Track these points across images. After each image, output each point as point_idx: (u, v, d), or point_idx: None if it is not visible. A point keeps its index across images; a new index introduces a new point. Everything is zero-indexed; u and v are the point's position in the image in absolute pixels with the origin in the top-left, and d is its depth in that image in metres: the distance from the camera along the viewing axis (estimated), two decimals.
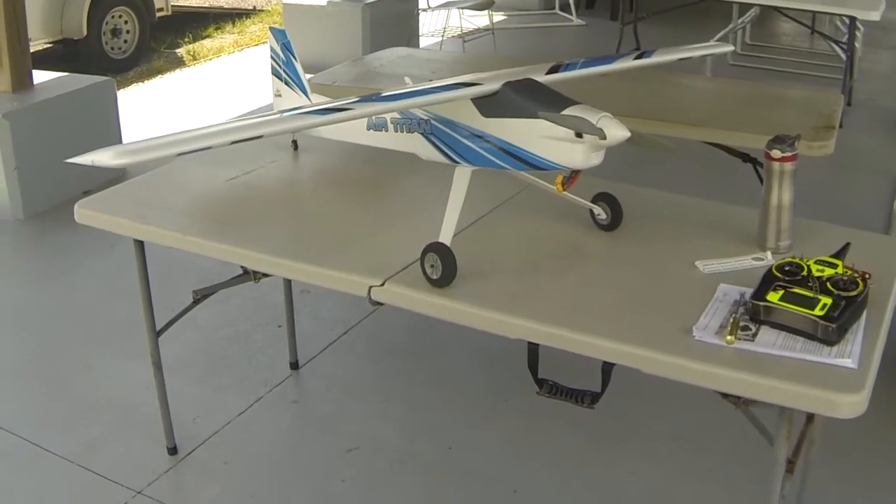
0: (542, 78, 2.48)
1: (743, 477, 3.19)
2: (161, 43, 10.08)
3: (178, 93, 8.35)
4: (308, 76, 3.19)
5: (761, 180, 4.21)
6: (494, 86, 2.37)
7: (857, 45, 7.85)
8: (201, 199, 3.00)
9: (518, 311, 2.25)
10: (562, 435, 3.49)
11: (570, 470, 3.34)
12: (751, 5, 8.85)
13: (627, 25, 7.92)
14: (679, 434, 3.49)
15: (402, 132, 2.66)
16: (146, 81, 8.66)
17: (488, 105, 2.38)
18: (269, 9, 11.86)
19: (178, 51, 9.75)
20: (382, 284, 2.38)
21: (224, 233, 2.74)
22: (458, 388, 3.80)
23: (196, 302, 3.22)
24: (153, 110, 7.66)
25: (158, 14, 9.75)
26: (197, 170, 3.16)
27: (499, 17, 9.99)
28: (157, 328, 3.19)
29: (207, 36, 10.41)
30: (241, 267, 3.24)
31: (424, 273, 2.34)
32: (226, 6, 12.38)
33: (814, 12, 8.30)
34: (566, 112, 2.22)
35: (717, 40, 8.46)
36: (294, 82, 3.15)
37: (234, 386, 3.81)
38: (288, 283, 3.82)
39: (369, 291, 2.39)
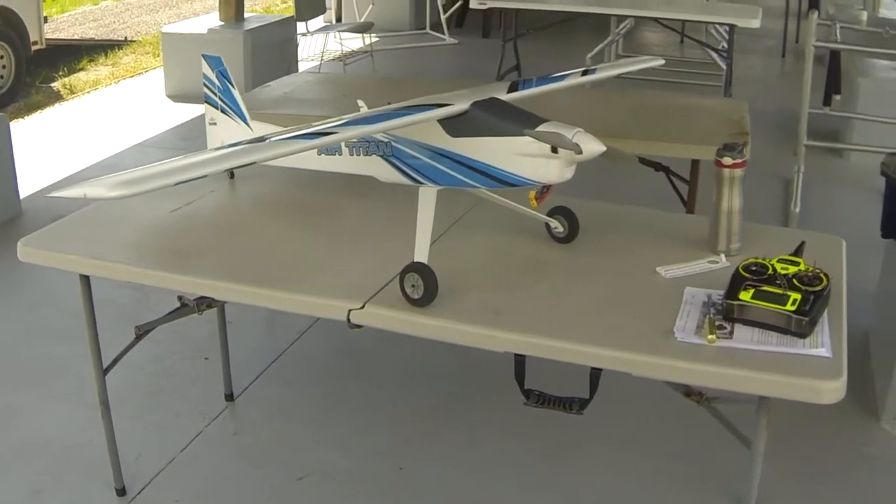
0: (504, 96, 2.53)
1: (701, 476, 3.30)
2: (36, 77, 9.83)
3: (60, 127, 8.15)
4: (198, 106, 3.17)
5: (675, 188, 4.41)
6: (463, 105, 2.41)
7: None
8: (149, 231, 2.96)
9: (503, 324, 2.29)
10: (509, 445, 3.54)
11: (524, 479, 3.38)
12: (624, 18, 9.12)
13: (508, 42, 8.01)
14: (632, 439, 3.58)
15: (359, 155, 2.68)
16: (26, 117, 8.44)
17: (455, 125, 2.42)
18: (141, 39, 11.69)
19: (53, 85, 9.53)
20: (362, 307, 2.39)
21: (180, 264, 2.70)
22: (397, 409, 3.81)
23: (139, 338, 3.17)
24: (38, 146, 7.46)
25: (34, 48, 9.51)
26: (136, 203, 3.07)
27: (372, 38, 10.05)
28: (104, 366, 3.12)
29: (82, 69, 10.21)
30: (180, 299, 3.22)
31: (404, 293, 2.36)
32: (97, 38, 12.16)
33: (684, 21, 8.55)
34: (542, 128, 2.28)
35: (594, 54, 8.68)
36: (232, 110, 3.12)
37: (171, 421, 3.74)
38: (222, 313, 3.78)
39: (348, 315, 2.39)
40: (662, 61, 3.23)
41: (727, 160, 2.65)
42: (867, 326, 4.14)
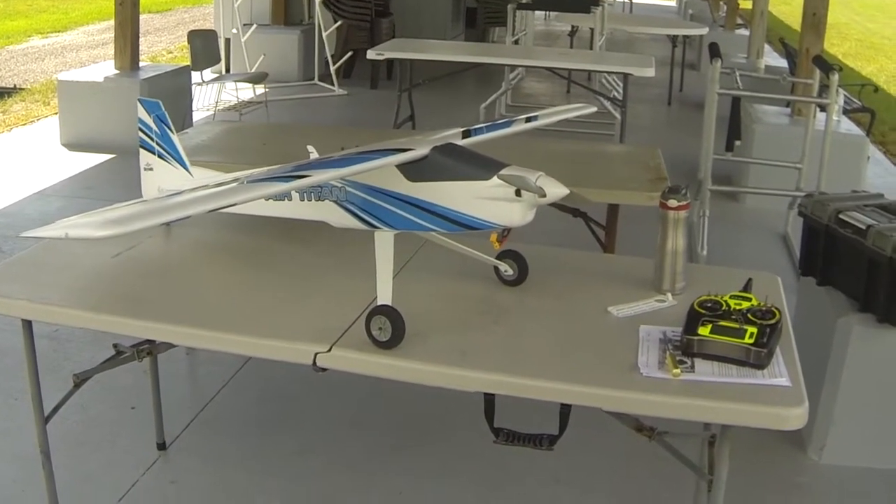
0: (460, 142, 2.59)
1: None
2: None
3: None
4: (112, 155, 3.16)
5: (593, 232, 4.52)
6: (424, 150, 2.45)
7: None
8: (93, 275, 2.90)
9: (471, 364, 2.33)
10: (445, 490, 3.57)
11: None
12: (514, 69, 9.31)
13: (404, 92, 8.12)
14: (562, 478, 3.64)
15: (311, 200, 2.69)
16: None
17: (415, 169, 2.46)
18: (30, 87, 11.47)
19: None
20: (329, 350, 2.40)
21: (133, 309, 2.66)
22: (332, 454, 3.80)
23: (77, 386, 3.12)
24: None
25: None
26: (75, 247, 3.06)
27: (260, 89, 10.04)
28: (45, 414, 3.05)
29: None
30: (115, 347, 3.17)
31: (371, 336, 2.38)
32: None
33: (570, 71, 8.76)
34: (505, 171, 2.34)
35: (488, 104, 8.85)
36: (170, 155, 3.12)
37: (104, 472, 3.66)
38: (155, 361, 3.73)
39: (315, 358, 2.40)
40: (594, 108, 3.34)
41: (672, 202, 2.75)
42: None
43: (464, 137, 2.66)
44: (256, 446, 3.86)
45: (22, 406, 3.05)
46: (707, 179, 5.96)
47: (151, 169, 3.18)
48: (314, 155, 2.81)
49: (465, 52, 7.99)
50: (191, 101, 9.19)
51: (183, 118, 8.70)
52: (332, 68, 11.27)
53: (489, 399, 2.37)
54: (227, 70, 11.10)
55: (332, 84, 11.23)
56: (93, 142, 8.16)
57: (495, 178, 2.34)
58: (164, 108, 3.16)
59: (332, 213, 2.66)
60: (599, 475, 3.69)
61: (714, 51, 5.63)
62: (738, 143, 6.56)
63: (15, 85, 11.77)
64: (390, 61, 8.60)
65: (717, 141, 6.14)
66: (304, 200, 2.72)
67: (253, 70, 10.12)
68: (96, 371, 3.15)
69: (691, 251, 5.84)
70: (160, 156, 3.15)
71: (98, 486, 3.58)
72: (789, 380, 2.25)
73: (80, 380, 3.12)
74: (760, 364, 2.28)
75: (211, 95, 9.86)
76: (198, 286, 2.86)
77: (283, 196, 2.76)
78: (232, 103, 9.79)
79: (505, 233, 2.47)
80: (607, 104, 8.43)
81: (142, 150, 3.19)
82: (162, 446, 3.82)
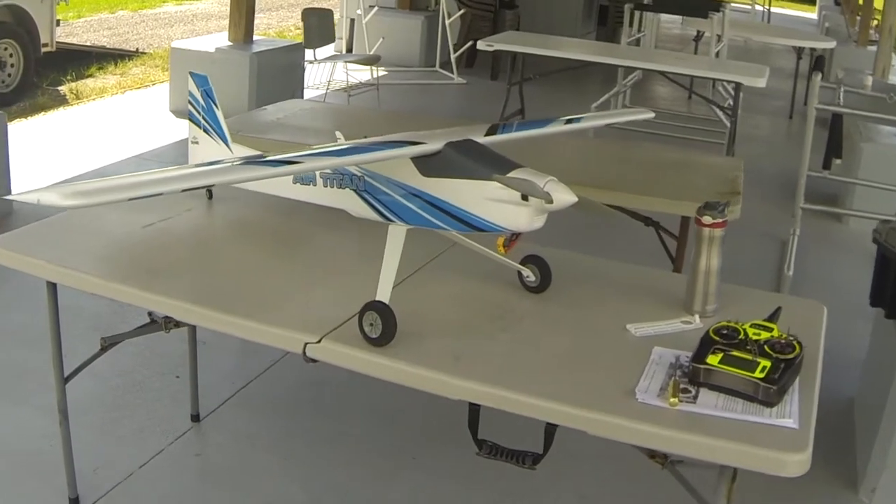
0: (480, 139, 2.49)
1: None
2: (44, 79, 9.85)
3: (62, 131, 8.15)
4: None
5: (664, 244, 4.36)
6: (437, 145, 2.36)
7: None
8: (119, 244, 2.91)
9: (460, 371, 2.23)
10: (468, 491, 3.47)
11: None
12: (633, 69, 9.11)
13: (514, 86, 8.01)
14: (589, 494, 3.51)
15: (332, 187, 2.63)
16: (29, 118, 8.43)
17: (429, 164, 2.37)
18: (152, 52, 11.70)
19: (60, 88, 9.53)
20: (319, 342, 2.33)
21: (148, 281, 2.65)
22: (362, 446, 3.75)
23: (103, 349, 3.13)
24: (37, 148, 7.47)
25: (43, 49, 9.55)
26: (111, 214, 3.06)
27: (381, 72, 10.03)
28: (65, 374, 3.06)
29: (90, 75, 10.22)
30: (149, 315, 3.16)
31: (362, 331, 2.30)
32: (108, 46, 12.18)
33: (692, 77, 8.53)
34: (513, 174, 2.23)
35: (601, 104, 8.67)
36: (214, 130, 3.09)
37: (133, 437, 3.68)
38: (193, 333, 3.73)
39: (304, 348, 2.34)
40: (652, 114, 3.19)
41: (707, 219, 2.61)
42: (853, 394, 4.09)
43: (488, 134, 2.55)
44: (287, 429, 3.82)
45: (74, 363, 3.06)
46: (800, 197, 5.72)
47: (197, 142, 3.17)
48: (341, 140, 2.75)
49: (575, 50, 7.81)
50: (302, 78, 9.23)
51: (292, 94, 8.74)
52: (453, 56, 11.22)
53: (474, 409, 2.27)
54: (349, 51, 11.16)
55: (452, 72, 11.19)
56: None
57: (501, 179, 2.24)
58: (210, 83, 3.12)
59: (351, 202, 2.60)
60: (623, 496, 3.54)
61: (818, 64, 5.41)
62: (837, 161, 6.29)
63: (137, 49, 12.02)
64: (513, 53, 8.48)
65: (818, 157, 5.90)
66: (326, 187, 2.66)
67: (371, 52, 10.15)
68: (125, 337, 3.16)
69: (779, 270, 5.64)
70: (205, 130, 3.12)
71: (125, 449, 3.59)
72: (797, 422, 2.08)
73: (107, 343, 3.13)
74: (769, 401, 2.11)
75: (324, 74, 9.90)
76: (213, 264, 2.83)
77: (309, 181, 2.70)
78: (344, 84, 9.80)
79: (513, 237, 2.37)
80: (719, 113, 8.19)
81: (189, 124, 3.18)
82: (196, 418, 3.82)
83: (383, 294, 2.32)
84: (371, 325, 2.28)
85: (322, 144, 2.49)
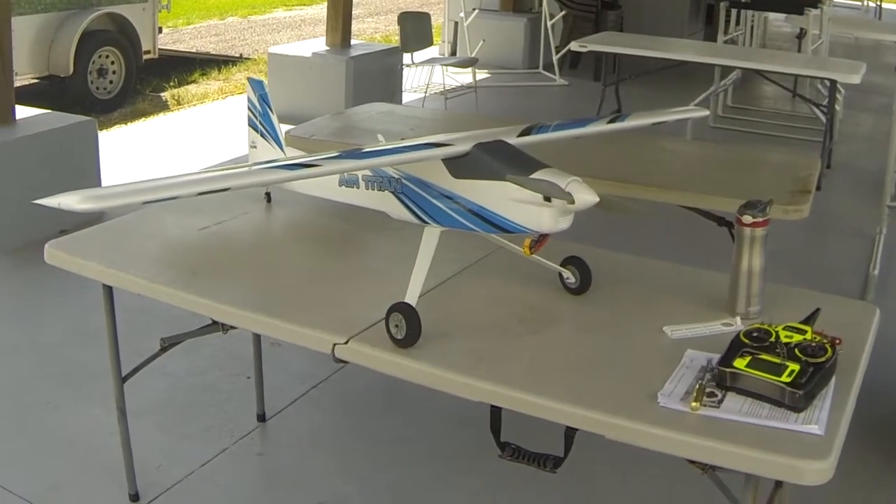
0: (513, 140, 2.48)
1: None
2: (146, 85, 10.11)
3: (160, 137, 8.35)
4: (288, 127, 3.18)
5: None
6: (465, 147, 2.36)
7: (837, 107, 7.92)
8: (172, 247, 2.99)
9: (482, 373, 2.23)
10: (526, 498, 3.45)
11: None
12: (733, 68, 8.96)
13: (609, 86, 7.95)
14: (644, 499, 3.46)
15: (373, 190, 2.65)
16: (129, 123, 8.67)
17: (459, 166, 2.37)
18: (256, 58, 11.91)
19: (162, 94, 9.78)
20: (346, 342, 2.35)
21: (192, 283, 2.72)
22: (423, 448, 3.76)
23: (163, 349, 3.19)
24: (135, 153, 7.66)
25: (145, 56, 9.83)
26: (168, 217, 3.15)
27: (482, 74, 10.03)
28: (123, 374, 3.15)
29: (193, 81, 10.45)
30: (210, 317, 3.23)
31: (389, 333, 2.32)
32: (212, 52, 12.44)
33: (796, 76, 8.36)
34: (535, 175, 2.22)
35: (698, 103, 8.53)
36: (269, 135, 3.14)
37: (199, 435, 3.76)
38: (257, 335, 3.79)
39: (333, 349, 2.37)
40: (706, 112, 3.15)
41: (747, 218, 2.55)
42: None
43: (522, 135, 2.54)
44: (351, 429, 3.86)
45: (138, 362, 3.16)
46: (886, 195, 5.57)
47: (255, 147, 3.23)
48: (381, 142, 2.77)
49: (670, 49, 7.74)
50: (400, 82, 9.29)
51: (391, 98, 8.81)
52: (555, 58, 11.18)
53: (495, 412, 2.27)
54: (453, 53, 11.19)
55: (554, 73, 11.14)
56: (297, 115, 8.23)
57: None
58: (266, 88, 3.17)
59: (390, 204, 2.61)
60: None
61: None
62: None
63: (241, 54, 12.25)
64: (608, 54, 8.40)
65: None
66: (368, 189, 2.67)
67: (474, 54, 10.16)
68: (185, 338, 3.21)
69: (865, 269, 5.49)
70: (262, 134, 3.18)
71: (189, 447, 3.67)
72: (823, 428, 2.01)
73: (167, 344, 3.19)
74: (795, 406, 2.06)
75: (422, 77, 9.95)
76: (260, 267, 2.88)
77: (353, 183, 2.72)
78: (444, 87, 9.83)
79: (540, 238, 2.36)
80: (817, 111, 8.01)
81: (249, 129, 3.24)
82: (262, 418, 3.88)
83: (412, 295, 2.33)
84: (396, 326, 2.30)
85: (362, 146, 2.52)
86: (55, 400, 4.00)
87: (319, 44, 8.97)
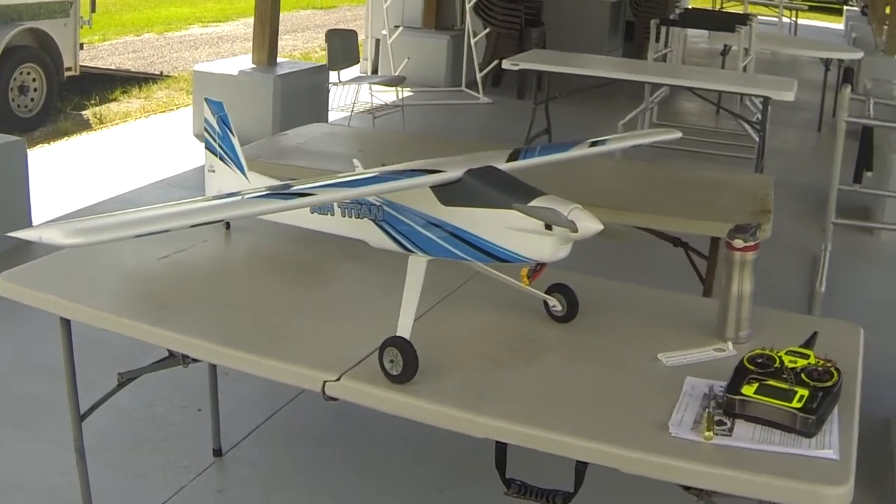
0: (503, 165, 2.41)
1: None
2: (67, 103, 9.85)
3: (85, 157, 8.12)
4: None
5: (694, 265, 4.26)
6: (457, 173, 2.28)
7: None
8: (132, 277, 2.86)
9: (485, 409, 2.14)
10: None
11: None
12: (660, 86, 9.01)
13: (540, 105, 7.93)
14: None
15: (351, 217, 2.54)
16: (52, 143, 8.43)
17: (449, 193, 2.28)
18: (176, 75, 11.71)
19: (84, 113, 9.52)
20: (338, 379, 2.25)
21: (161, 317, 2.58)
22: (388, 480, 3.65)
23: (121, 385, 3.06)
24: (61, 174, 7.45)
25: (67, 73, 9.56)
26: (125, 246, 2.96)
27: (406, 93, 9.95)
28: (82, 411, 2.99)
29: (114, 99, 10.22)
30: (168, 349, 3.09)
31: (383, 368, 2.22)
32: (133, 70, 12.21)
33: (720, 92, 8.43)
34: (535, 203, 2.15)
35: (628, 121, 8.58)
36: (230, 158, 3.01)
37: (154, 473, 3.60)
38: (213, 366, 3.65)
39: (323, 387, 2.25)
40: (679, 134, 3.08)
41: (738, 243, 2.51)
42: (890, 413, 3.97)
43: (510, 160, 2.47)
44: (312, 463, 3.74)
45: (93, 397, 3.00)
46: (831, 211, 5.62)
47: (213, 171, 3.09)
48: (359, 167, 2.67)
49: (601, 67, 7.75)
50: (327, 100, 9.18)
51: (317, 117, 8.70)
52: (479, 76, 11.15)
53: (500, 447, 2.18)
54: (375, 71, 11.10)
55: (478, 92, 11.12)
56: None
57: (523, 208, 2.15)
58: (226, 110, 3.04)
59: (370, 233, 2.51)
60: None
61: (847, 76, 5.31)
62: (868, 174, 6.21)
63: (161, 72, 12.03)
64: (539, 72, 8.40)
65: (848, 170, 5.79)
66: (345, 216, 2.56)
67: (397, 73, 10.08)
68: (142, 372, 3.09)
69: (811, 287, 5.53)
70: (221, 158, 3.04)
71: (145, 487, 3.52)
72: (837, 452, 1.99)
73: (124, 379, 3.07)
74: (808, 432, 2.03)
75: (349, 96, 9.86)
76: (229, 298, 2.75)
77: (326, 210, 2.62)
78: (369, 106, 9.74)
79: (538, 267, 2.28)
80: (748, 128, 8.08)
81: (206, 152, 3.10)
82: (218, 452, 3.74)
83: (404, 329, 2.24)
84: (392, 361, 2.20)
85: (338, 174, 2.42)
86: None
87: (245, 61, 8.82)
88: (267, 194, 2.18)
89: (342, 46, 8.97)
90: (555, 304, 2.58)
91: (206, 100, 3.11)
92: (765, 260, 5.73)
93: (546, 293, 2.58)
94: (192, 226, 2.06)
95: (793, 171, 8.23)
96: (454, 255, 2.31)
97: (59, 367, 3.97)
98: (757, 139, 7.31)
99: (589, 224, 2.11)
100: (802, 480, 1.92)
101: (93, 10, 10.22)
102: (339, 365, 2.29)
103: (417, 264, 2.34)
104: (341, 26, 11.99)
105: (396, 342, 2.20)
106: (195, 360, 3.07)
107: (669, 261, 4.47)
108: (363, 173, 2.34)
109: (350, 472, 3.67)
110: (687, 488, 2.28)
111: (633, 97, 10.09)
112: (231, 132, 3.01)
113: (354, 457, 3.78)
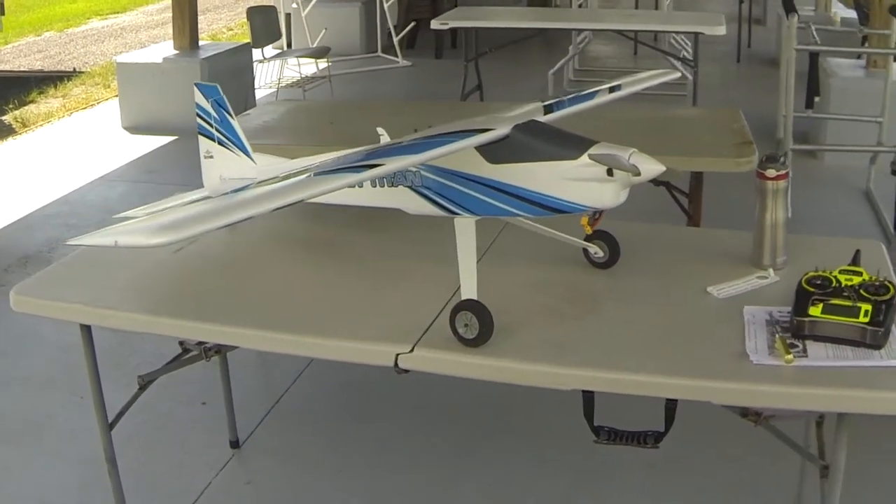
0: (542, 118, 2.40)
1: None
2: None
3: (16, 161, 7.91)
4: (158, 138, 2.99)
5: (678, 202, 4.30)
6: (504, 130, 2.26)
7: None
8: (154, 274, 2.74)
9: (568, 360, 2.14)
10: (538, 482, 3.39)
11: None
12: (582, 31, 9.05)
13: (470, 62, 7.91)
14: (656, 463, 3.41)
15: (384, 187, 2.51)
16: None
17: (495, 151, 2.26)
18: (90, 70, 11.44)
19: (4, 118, 9.23)
20: (411, 350, 2.21)
21: (201, 311, 2.51)
22: (413, 448, 3.63)
23: (142, 388, 3.00)
24: None
25: None
26: None
27: (324, 63, 9.85)
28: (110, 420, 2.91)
29: (32, 101, 9.93)
30: (181, 344, 3.03)
31: (456, 333, 2.19)
32: (45, 69, 11.92)
33: (637, 32, 8.46)
34: (593, 150, 2.14)
35: (556, 70, 8.60)
36: (231, 142, 2.94)
37: (174, 475, 3.51)
38: (224, 359, 3.57)
39: (396, 359, 2.22)
40: (679, 74, 3.11)
41: (771, 172, 2.55)
42: None
43: (546, 113, 2.46)
44: (334, 441, 3.70)
45: (87, 406, 2.90)
46: (788, 139, 5.71)
47: (212, 157, 3.01)
48: (385, 138, 2.64)
49: (531, 19, 7.78)
50: (253, 79, 9.06)
51: (245, 97, 8.60)
52: (395, 39, 11.08)
53: (588, 397, 2.18)
54: (289, 46, 10.96)
55: (396, 55, 11.05)
56: (154, 124, 8.05)
57: (585, 157, 2.14)
58: (222, 92, 2.96)
59: (407, 200, 2.47)
60: (696, 458, 3.47)
61: (789, 5, 5.36)
62: (817, 99, 6.33)
63: (75, 68, 11.76)
64: (454, 30, 8.38)
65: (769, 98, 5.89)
66: (376, 187, 2.53)
67: (315, 45, 9.97)
68: (162, 372, 3.03)
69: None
70: (220, 143, 2.97)
71: (169, 490, 3.44)
72: None
73: (145, 382, 3.01)
74: (877, 344, 2.08)
75: (273, 73, 9.73)
76: (265, 283, 2.68)
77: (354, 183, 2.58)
78: (295, 80, 9.62)
79: (597, 215, 2.29)
80: (678, 65, 8.15)
81: (201, 138, 3.01)
82: (235, 444, 3.68)
83: (469, 291, 2.22)
84: (466, 325, 2.17)
85: (373, 145, 2.39)
86: (4, 459, 3.67)
87: (167, 48, 8.65)
88: (337, 169, 2.14)
89: (263, 22, 8.86)
90: (596, 251, 2.58)
91: (196, 85, 3.03)
92: (719, 192, 5.82)
93: (587, 241, 2.58)
94: (279, 208, 2.01)
95: (722, 103, 8.30)
96: (505, 211, 2.29)
97: (47, 378, 3.92)
98: (690, 77, 7.36)
99: (651, 166, 2.13)
100: (885, 390, 1.98)
101: (1, 12, 9.92)
102: (405, 337, 2.25)
103: (466, 226, 2.30)
104: (246, 4, 11.78)
105: (470, 305, 2.18)
106: (217, 353, 3.03)
107: (648, 199, 4.48)
108: (410, 139, 2.31)
109: (371, 445, 3.65)
110: (744, 415, 2.33)
111: (549, 48, 10.15)
112: (230, 114, 2.94)
113: (370, 428, 3.76)
